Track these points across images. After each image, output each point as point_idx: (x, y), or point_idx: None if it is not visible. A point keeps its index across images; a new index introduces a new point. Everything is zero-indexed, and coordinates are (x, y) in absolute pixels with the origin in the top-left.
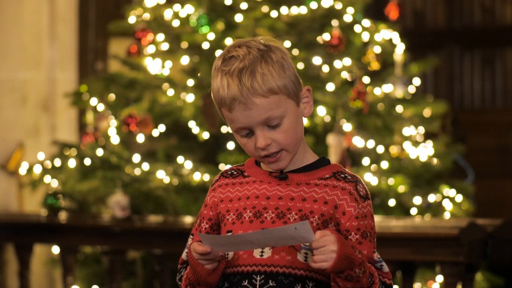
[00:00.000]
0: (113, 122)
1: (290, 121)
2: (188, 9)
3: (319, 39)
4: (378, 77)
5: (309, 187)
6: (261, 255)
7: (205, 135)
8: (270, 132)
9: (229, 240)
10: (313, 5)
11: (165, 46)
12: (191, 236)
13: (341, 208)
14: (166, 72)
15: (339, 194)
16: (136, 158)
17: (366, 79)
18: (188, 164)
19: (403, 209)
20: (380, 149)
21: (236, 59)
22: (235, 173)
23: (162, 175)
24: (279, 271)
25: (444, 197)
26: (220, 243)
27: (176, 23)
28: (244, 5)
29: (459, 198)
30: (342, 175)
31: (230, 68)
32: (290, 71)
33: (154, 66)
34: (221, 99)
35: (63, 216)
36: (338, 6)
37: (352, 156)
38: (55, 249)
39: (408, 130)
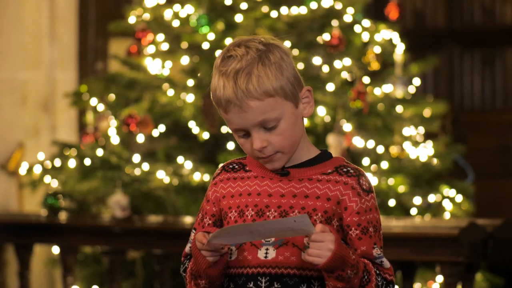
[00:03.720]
0: (113, 122)
1: (287, 123)
2: (188, 9)
3: (319, 39)
4: (378, 77)
5: (311, 182)
6: (266, 256)
7: (205, 135)
8: (266, 134)
9: (229, 231)
10: (313, 5)
11: (165, 46)
12: (193, 231)
13: (343, 203)
14: (166, 72)
15: (341, 189)
16: (136, 158)
17: (366, 79)
18: (188, 164)
19: (403, 209)
20: (380, 149)
21: (234, 60)
22: (236, 166)
23: (162, 175)
24: (284, 273)
25: (444, 197)
26: (220, 235)
27: (176, 23)
28: (244, 5)
29: (459, 198)
30: (345, 169)
31: (227, 69)
32: (288, 72)
33: (154, 66)
34: (218, 99)
35: (63, 216)
36: (338, 6)
37: (352, 156)
38: (55, 249)
39: (408, 130)
